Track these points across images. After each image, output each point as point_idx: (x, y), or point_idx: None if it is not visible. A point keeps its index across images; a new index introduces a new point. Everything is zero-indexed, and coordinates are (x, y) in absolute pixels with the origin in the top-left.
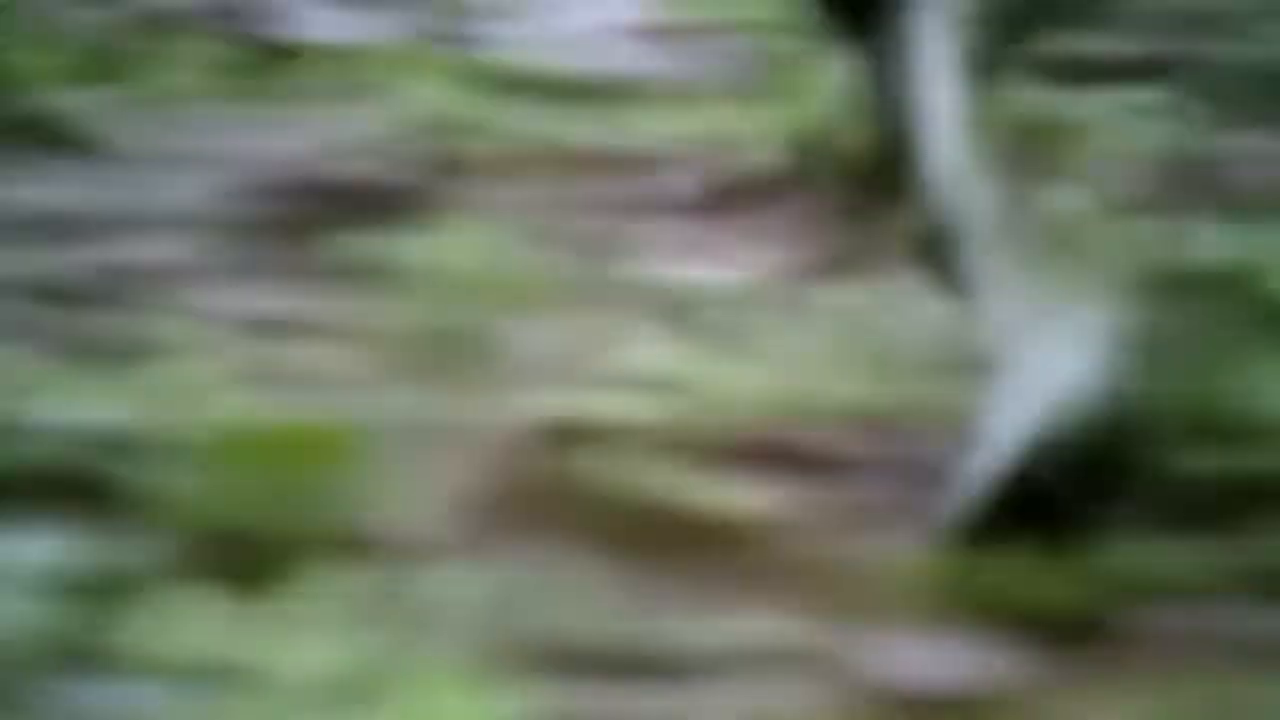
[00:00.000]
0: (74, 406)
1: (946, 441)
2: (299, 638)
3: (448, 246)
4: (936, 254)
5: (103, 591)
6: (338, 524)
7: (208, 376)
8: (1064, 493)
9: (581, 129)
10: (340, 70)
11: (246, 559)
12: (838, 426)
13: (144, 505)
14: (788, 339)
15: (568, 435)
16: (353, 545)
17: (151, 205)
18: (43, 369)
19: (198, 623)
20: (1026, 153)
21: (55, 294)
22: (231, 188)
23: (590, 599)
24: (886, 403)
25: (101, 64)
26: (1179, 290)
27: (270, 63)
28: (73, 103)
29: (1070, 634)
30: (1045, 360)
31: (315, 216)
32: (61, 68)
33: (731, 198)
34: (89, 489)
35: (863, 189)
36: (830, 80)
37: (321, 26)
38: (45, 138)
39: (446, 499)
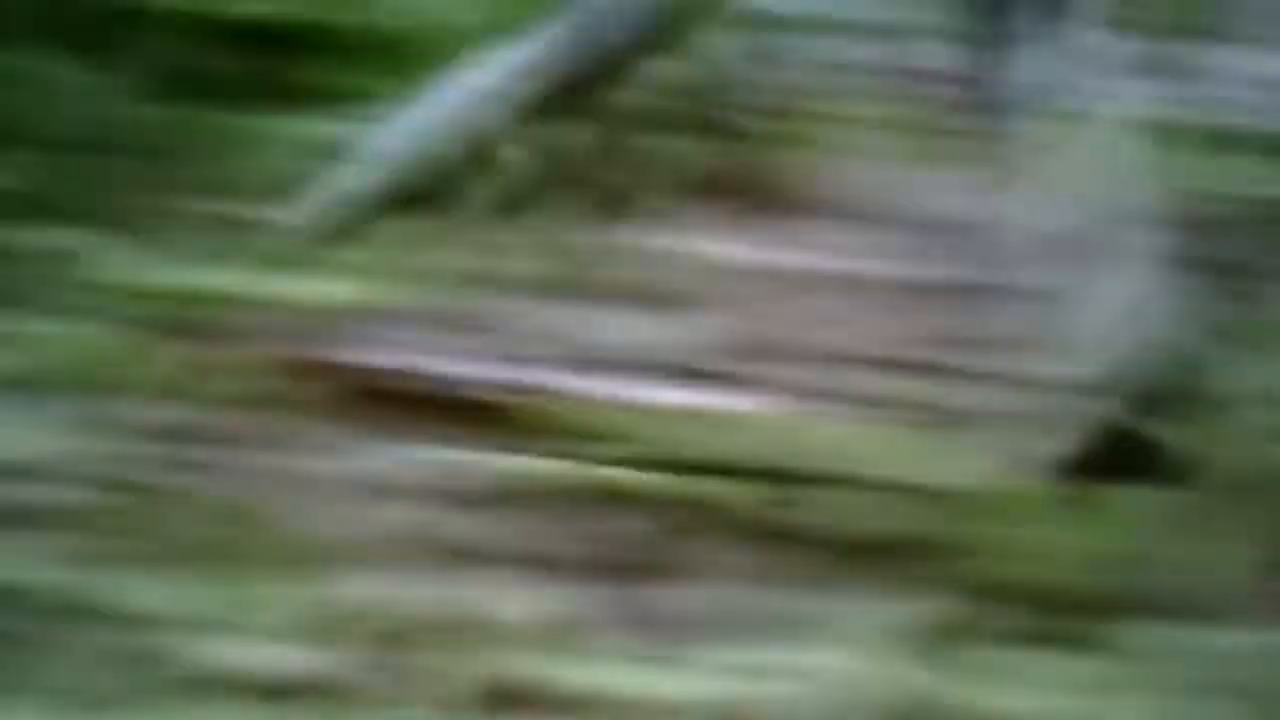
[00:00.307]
0: (895, 467)
1: None
2: (1124, 701)
3: None
4: None
5: (933, 650)
6: (1152, 585)
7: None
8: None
9: None
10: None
11: (1066, 619)
12: None
13: (966, 565)
14: None
15: None
16: (1169, 607)
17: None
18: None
19: (1026, 682)
20: None
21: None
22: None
23: None
24: None
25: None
26: None
27: (949, 121)
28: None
29: None
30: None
31: None
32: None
33: None
34: (915, 549)
35: None
36: None
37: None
38: (757, 196)
39: (1263, 561)
